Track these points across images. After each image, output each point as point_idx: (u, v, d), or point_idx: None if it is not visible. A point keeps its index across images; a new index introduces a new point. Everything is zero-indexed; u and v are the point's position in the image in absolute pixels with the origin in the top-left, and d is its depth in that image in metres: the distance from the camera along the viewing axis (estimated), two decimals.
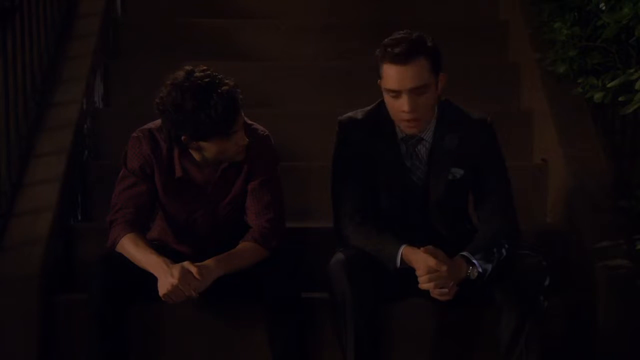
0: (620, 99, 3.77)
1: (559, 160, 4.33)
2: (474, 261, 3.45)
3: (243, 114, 3.55)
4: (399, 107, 3.50)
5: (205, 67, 3.50)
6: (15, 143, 4.12)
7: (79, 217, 4.43)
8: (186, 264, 3.44)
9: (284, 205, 3.68)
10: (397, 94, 3.49)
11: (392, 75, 3.48)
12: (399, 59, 3.46)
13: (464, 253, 3.47)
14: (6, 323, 3.70)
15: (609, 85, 3.90)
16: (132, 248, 3.54)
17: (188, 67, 3.49)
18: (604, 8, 4.14)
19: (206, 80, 3.44)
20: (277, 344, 3.52)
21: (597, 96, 4.06)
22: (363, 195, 3.63)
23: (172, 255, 3.55)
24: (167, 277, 3.43)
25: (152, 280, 3.46)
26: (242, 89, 3.56)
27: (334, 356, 3.57)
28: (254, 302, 3.62)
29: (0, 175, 3.99)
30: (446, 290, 3.40)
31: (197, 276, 3.42)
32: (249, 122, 3.68)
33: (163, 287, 3.43)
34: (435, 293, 3.42)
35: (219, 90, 3.44)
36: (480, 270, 3.44)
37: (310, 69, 5.08)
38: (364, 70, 4.60)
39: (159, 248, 3.59)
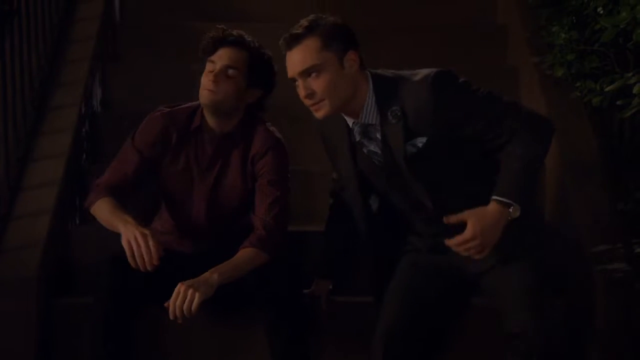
0: (618, 102, 3.78)
1: (557, 163, 4.33)
2: (508, 201, 3.23)
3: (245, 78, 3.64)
4: (300, 95, 3.32)
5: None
6: (13, 146, 4.12)
7: (77, 221, 4.43)
8: (179, 285, 3.39)
9: (289, 211, 3.67)
10: (295, 82, 3.33)
11: (287, 65, 3.37)
12: (285, 46, 3.35)
13: (495, 197, 3.25)
14: (5, 326, 3.71)
15: (607, 89, 3.91)
16: (106, 209, 3.54)
17: None
18: (601, 12, 4.14)
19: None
20: (278, 347, 3.51)
21: (595, 100, 4.07)
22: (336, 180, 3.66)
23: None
24: (132, 230, 3.40)
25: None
26: None
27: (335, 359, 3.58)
28: (255, 306, 3.63)
29: None
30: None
31: (190, 297, 3.36)
32: (270, 126, 3.74)
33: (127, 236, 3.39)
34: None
35: (237, 32, 3.67)
36: (519, 206, 3.23)
37: None
38: None
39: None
